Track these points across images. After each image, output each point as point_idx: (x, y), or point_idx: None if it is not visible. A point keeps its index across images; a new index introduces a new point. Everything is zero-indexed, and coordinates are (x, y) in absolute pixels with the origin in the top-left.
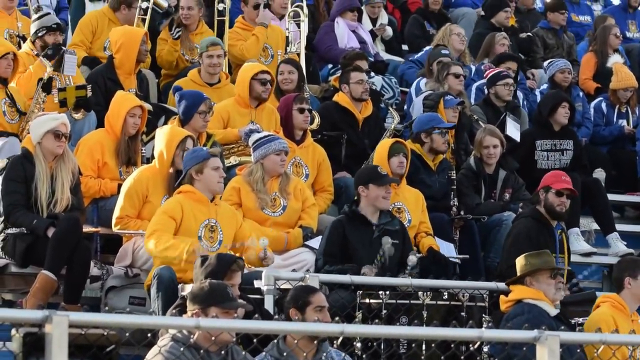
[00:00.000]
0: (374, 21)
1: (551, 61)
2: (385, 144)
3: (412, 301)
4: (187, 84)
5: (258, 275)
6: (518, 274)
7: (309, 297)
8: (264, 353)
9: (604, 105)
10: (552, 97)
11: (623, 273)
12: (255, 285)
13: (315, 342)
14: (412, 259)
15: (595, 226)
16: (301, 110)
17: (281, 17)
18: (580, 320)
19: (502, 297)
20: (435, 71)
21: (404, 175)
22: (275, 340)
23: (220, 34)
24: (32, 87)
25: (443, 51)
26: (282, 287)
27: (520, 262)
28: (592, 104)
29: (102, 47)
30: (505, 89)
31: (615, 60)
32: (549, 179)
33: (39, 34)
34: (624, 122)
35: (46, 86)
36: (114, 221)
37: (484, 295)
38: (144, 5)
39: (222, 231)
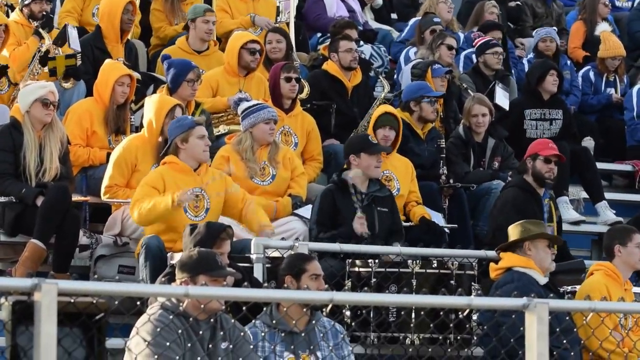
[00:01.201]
0: None
1: (537, 30)
2: (373, 115)
3: (401, 269)
4: (176, 52)
5: (247, 243)
6: (517, 237)
7: (305, 265)
8: (254, 321)
9: (591, 73)
10: (540, 66)
11: (613, 241)
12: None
13: (305, 309)
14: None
15: (584, 195)
16: (288, 79)
17: None
18: (569, 288)
19: (491, 264)
20: (429, 39)
21: (396, 146)
22: (268, 308)
23: (209, 2)
24: (26, 61)
25: (434, 19)
26: (271, 255)
27: (516, 228)
28: (580, 72)
29: (91, 14)
30: (494, 58)
31: (603, 29)
32: (536, 147)
33: (26, 2)
34: (612, 91)
35: (43, 59)
36: (103, 190)
37: (473, 264)
38: None
39: (209, 199)
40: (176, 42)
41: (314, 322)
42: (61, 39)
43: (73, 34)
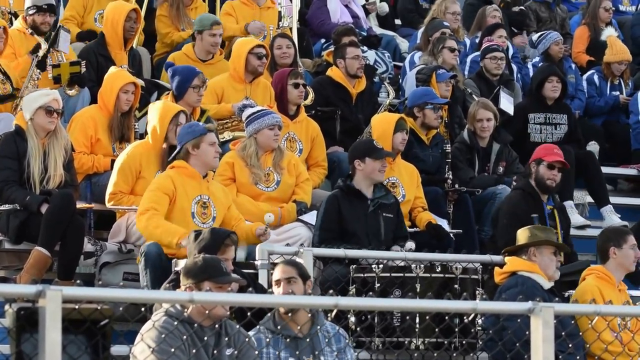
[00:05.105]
0: None
1: (543, 34)
2: (390, 119)
3: (405, 274)
4: (181, 58)
5: (252, 249)
6: (524, 242)
7: (275, 271)
8: (258, 326)
9: (596, 77)
10: (541, 72)
11: (608, 243)
12: None
13: (308, 313)
14: (410, 245)
15: (589, 199)
16: (296, 85)
17: None
18: (574, 292)
19: (496, 269)
20: (430, 44)
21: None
22: (271, 314)
23: (213, 8)
24: (26, 70)
25: (443, 22)
26: (275, 261)
27: (524, 233)
28: (585, 76)
29: (93, 20)
30: (492, 63)
31: (609, 34)
32: (541, 152)
33: (30, 12)
34: (617, 94)
35: (41, 63)
36: (107, 197)
37: (478, 268)
38: None
39: (215, 208)
40: (182, 48)
41: (318, 327)
42: (54, 40)
43: (64, 36)
